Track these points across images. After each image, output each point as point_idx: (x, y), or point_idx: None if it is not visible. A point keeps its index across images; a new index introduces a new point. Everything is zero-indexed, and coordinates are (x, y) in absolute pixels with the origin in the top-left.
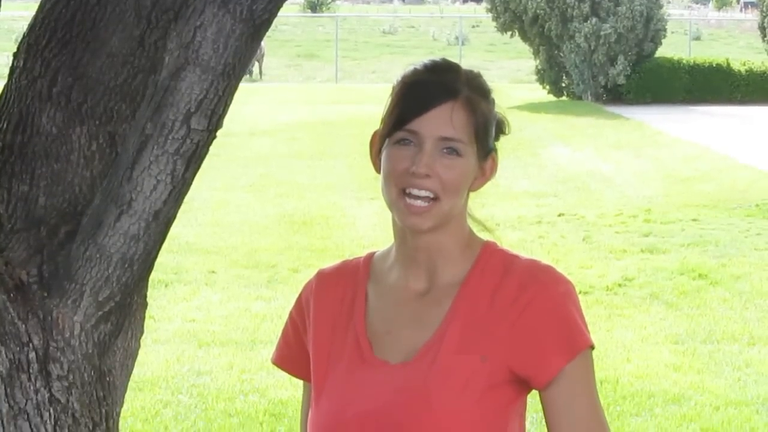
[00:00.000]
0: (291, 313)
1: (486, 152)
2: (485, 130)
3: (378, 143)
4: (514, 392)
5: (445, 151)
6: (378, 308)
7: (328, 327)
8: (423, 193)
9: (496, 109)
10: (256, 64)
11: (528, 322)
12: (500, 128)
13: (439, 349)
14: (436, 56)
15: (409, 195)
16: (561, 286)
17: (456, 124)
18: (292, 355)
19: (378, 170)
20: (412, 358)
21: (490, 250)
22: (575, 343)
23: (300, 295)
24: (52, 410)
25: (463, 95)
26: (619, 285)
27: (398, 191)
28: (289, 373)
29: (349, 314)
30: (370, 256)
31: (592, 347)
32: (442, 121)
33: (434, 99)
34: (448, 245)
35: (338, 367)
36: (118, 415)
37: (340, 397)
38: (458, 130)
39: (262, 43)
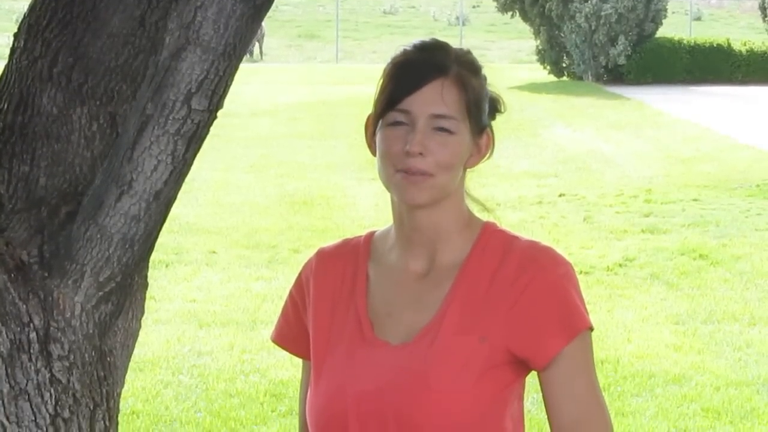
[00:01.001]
0: (291, 292)
1: (480, 128)
2: (477, 106)
3: (372, 126)
4: (513, 373)
5: (437, 128)
6: (379, 289)
7: (328, 306)
8: (417, 171)
9: (489, 88)
10: (257, 44)
11: (527, 303)
12: (494, 106)
13: (438, 330)
14: (426, 37)
15: (406, 172)
16: (560, 267)
17: (447, 100)
18: (292, 334)
19: (374, 153)
20: (412, 339)
21: (489, 230)
22: (574, 324)
23: (300, 274)
24: (52, 390)
25: (453, 72)
26: (620, 265)
27: (394, 171)
28: (289, 351)
29: (350, 293)
30: (371, 235)
31: (591, 329)
32: (433, 99)
33: (424, 77)
34: (446, 225)
35: (339, 347)
36: (119, 395)
37: (340, 377)
38: (450, 106)
39: (263, 23)
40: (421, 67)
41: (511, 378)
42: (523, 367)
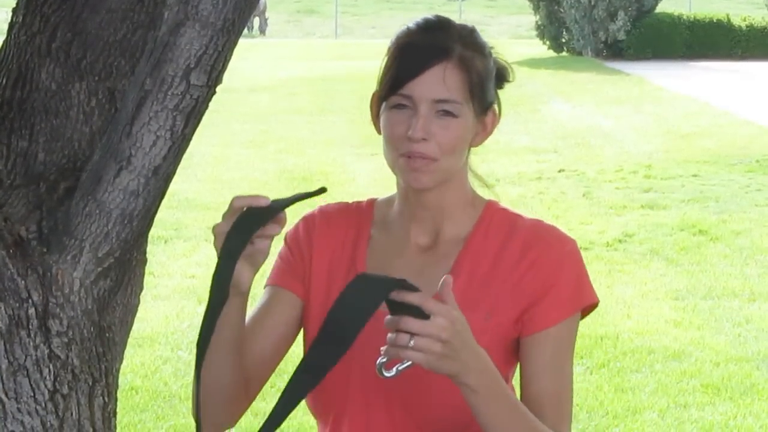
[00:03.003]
0: (286, 240)
1: (484, 107)
2: (481, 87)
3: (376, 105)
4: (515, 352)
5: (440, 112)
6: (380, 257)
7: (325, 267)
8: (421, 156)
9: (496, 56)
10: (257, 18)
11: (534, 277)
12: (502, 76)
13: None
14: (431, 14)
15: (410, 157)
16: (566, 244)
17: (450, 84)
18: (292, 271)
19: (379, 132)
20: None
21: (493, 208)
22: (582, 297)
23: (298, 226)
24: (51, 366)
25: (455, 54)
26: (620, 241)
27: (398, 155)
28: (288, 288)
29: (351, 258)
30: (372, 201)
31: (597, 303)
32: (436, 83)
33: (426, 61)
34: (450, 202)
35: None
36: (118, 371)
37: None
38: (452, 90)
39: None
40: (424, 51)
41: (512, 357)
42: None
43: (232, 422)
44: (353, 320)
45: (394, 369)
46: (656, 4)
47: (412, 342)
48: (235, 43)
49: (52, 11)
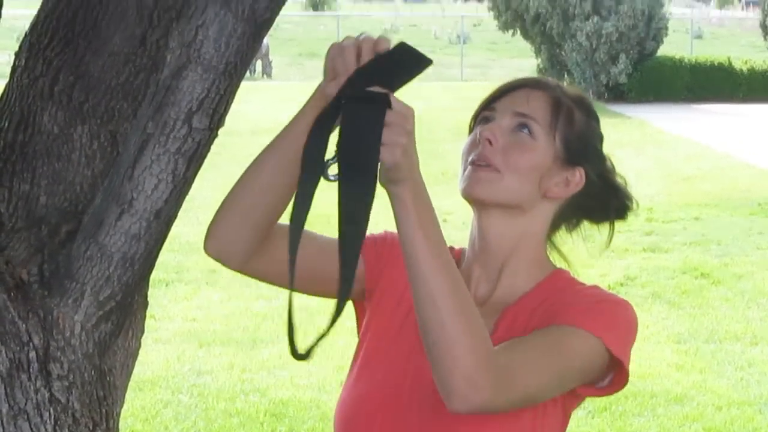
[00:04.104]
0: (386, 236)
1: (574, 159)
2: (574, 133)
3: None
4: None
5: (518, 127)
6: None
7: (397, 295)
8: (484, 162)
9: (618, 179)
10: (259, 61)
11: (560, 298)
12: (606, 163)
13: None
14: None
15: (473, 164)
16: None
17: (533, 104)
18: (377, 256)
19: None
20: None
21: (559, 275)
22: (605, 330)
23: (379, 239)
24: (52, 410)
25: (551, 90)
26: (621, 284)
27: (465, 165)
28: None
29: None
30: (461, 250)
31: (626, 372)
32: (521, 98)
33: (523, 83)
34: (515, 249)
35: (394, 345)
36: (119, 414)
37: (388, 374)
38: (534, 109)
39: (266, 41)
40: (522, 79)
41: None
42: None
43: (238, 251)
44: (365, 146)
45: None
46: (658, 48)
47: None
48: (237, 87)
49: (55, 55)
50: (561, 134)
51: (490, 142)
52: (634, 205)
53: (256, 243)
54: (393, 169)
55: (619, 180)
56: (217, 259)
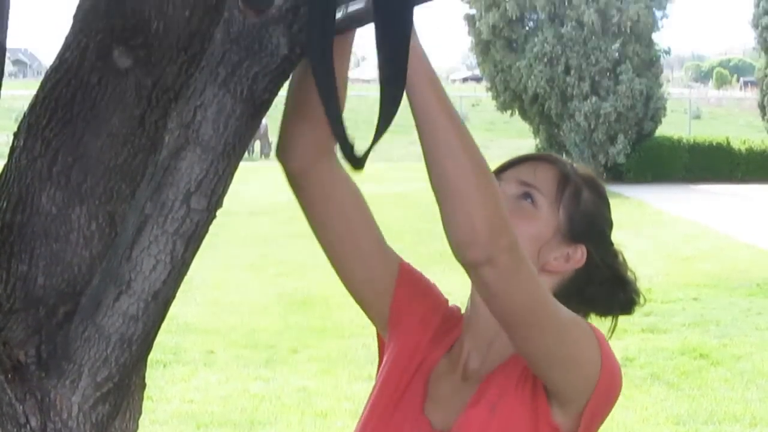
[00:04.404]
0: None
1: (576, 236)
2: (580, 210)
3: None
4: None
5: (521, 195)
6: (444, 364)
7: (408, 353)
8: None
9: (629, 273)
10: (258, 142)
11: None
12: (614, 253)
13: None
14: None
15: None
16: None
17: (539, 174)
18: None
19: None
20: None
21: None
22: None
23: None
24: None
25: (561, 167)
26: (620, 365)
27: None
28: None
29: (425, 350)
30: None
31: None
32: (528, 170)
33: (533, 156)
34: None
35: (401, 402)
36: None
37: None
38: (539, 179)
39: (265, 121)
40: (533, 153)
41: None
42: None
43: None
44: None
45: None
46: (656, 128)
47: None
48: (235, 167)
49: (54, 135)
50: (565, 209)
51: None
52: (642, 301)
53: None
54: None
55: (629, 274)
56: (287, 162)
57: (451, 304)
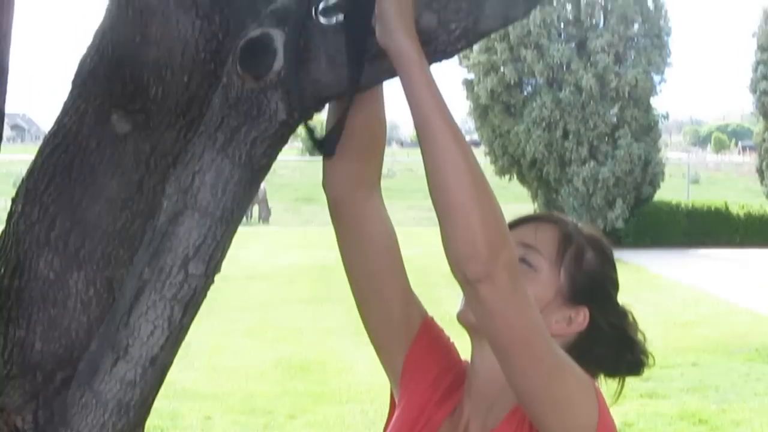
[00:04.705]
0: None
1: (578, 298)
2: (582, 271)
3: None
4: None
5: (521, 259)
6: (449, 421)
7: (420, 404)
8: None
9: (638, 335)
10: (256, 206)
11: None
12: (620, 313)
13: None
14: None
15: None
16: None
17: (540, 235)
18: (434, 333)
19: None
20: None
21: None
22: None
23: (445, 338)
24: None
25: (564, 227)
26: (619, 431)
27: None
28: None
29: (436, 403)
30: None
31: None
32: (528, 231)
33: (535, 216)
34: (504, 395)
35: None
36: None
37: None
38: (540, 241)
39: (263, 186)
40: (536, 213)
41: None
42: None
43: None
44: None
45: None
46: (654, 192)
47: None
48: (234, 232)
49: (51, 200)
50: (567, 270)
51: None
52: (651, 362)
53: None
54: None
55: (639, 336)
56: (326, 189)
57: (464, 358)
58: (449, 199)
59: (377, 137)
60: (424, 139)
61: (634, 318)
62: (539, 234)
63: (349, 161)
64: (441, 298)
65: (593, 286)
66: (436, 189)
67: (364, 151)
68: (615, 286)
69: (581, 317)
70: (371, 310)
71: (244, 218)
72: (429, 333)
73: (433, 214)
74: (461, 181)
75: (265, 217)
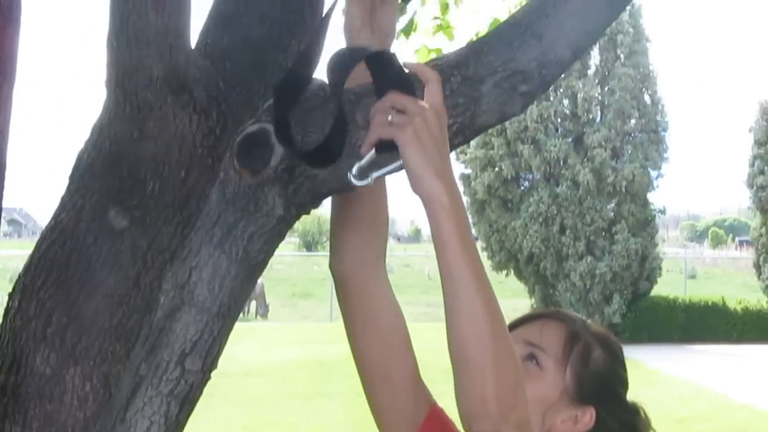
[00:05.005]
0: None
1: (585, 397)
2: (589, 370)
3: None
4: None
5: (527, 356)
6: None
7: None
8: None
9: (641, 415)
10: (254, 302)
11: None
12: (631, 411)
13: None
14: None
15: None
16: None
17: (546, 333)
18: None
19: None
20: None
21: None
22: None
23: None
24: None
25: (571, 326)
26: None
27: None
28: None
29: None
30: None
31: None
32: (535, 329)
33: (543, 314)
34: None
35: None
36: None
37: None
38: (545, 339)
39: (261, 281)
40: (544, 310)
41: None
42: None
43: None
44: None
45: (369, 177)
46: (651, 287)
47: (391, 117)
48: (231, 328)
49: (48, 296)
50: (573, 369)
51: None
52: None
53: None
54: (410, 155)
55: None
56: (331, 266)
57: None
58: (465, 353)
59: (380, 211)
60: (446, 285)
61: (646, 414)
62: (545, 332)
63: (355, 236)
64: (440, 393)
65: (600, 386)
66: (453, 340)
67: (369, 226)
68: (624, 384)
69: (588, 417)
70: (379, 392)
71: (241, 314)
72: (437, 423)
73: (432, 309)
74: (479, 339)
75: (263, 312)
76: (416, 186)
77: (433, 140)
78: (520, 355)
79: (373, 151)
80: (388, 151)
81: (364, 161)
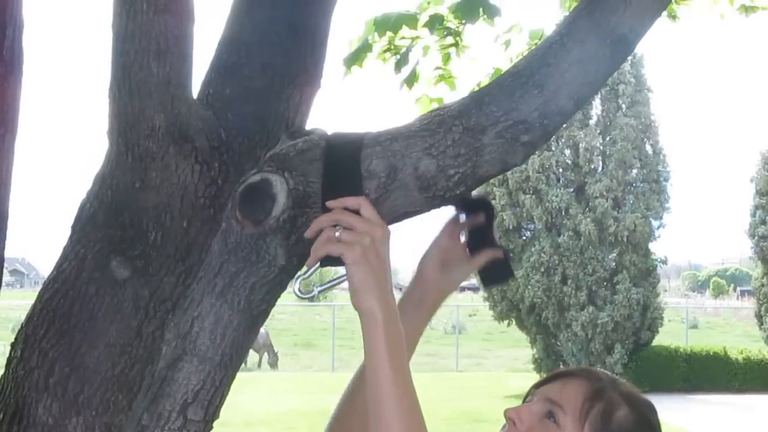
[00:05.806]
0: None
1: None
2: (609, 431)
3: None
4: None
5: (547, 414)
6: None
7: None
8: None
9: None
10: (266, 353)
11: None
12: None
13: None
14: None
15: None
16: None
17: (566, 390)
18: None
19: None
20: None
21: None
22: None
23: None
24: None
25: (597, 384)
26: None
27: None
28: None
29: None
30: None
31: None
32: (556, 386)
33: (566, 373)
34: None
35: None
36: None
37: None
38: (565, 396)
39: (266, 330)
40: (574, 368)
41: None
42: None
43: None
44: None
45: (314, 290)
46: (653, 337)
47: (338, 233)
48: (233, 378)
49: (51, 346)
50: (592, 427)
51: (514, 423)
52: None
53: None
54: (354, 273)
55: None
56: None
57: None
58: None
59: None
60: (370, 391)
61: None
62: (566, 389)
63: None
64: None
65: None
66: None
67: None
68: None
69: None
70: None
71: (243, 364)
72: None
73: (432, 359)
74: None
75: (272, 361)
76: (357, 300)
77: (378, 259)
78: (539, 412)
79: (318, 264)
80: (333, 265)
81: (308, 274)
